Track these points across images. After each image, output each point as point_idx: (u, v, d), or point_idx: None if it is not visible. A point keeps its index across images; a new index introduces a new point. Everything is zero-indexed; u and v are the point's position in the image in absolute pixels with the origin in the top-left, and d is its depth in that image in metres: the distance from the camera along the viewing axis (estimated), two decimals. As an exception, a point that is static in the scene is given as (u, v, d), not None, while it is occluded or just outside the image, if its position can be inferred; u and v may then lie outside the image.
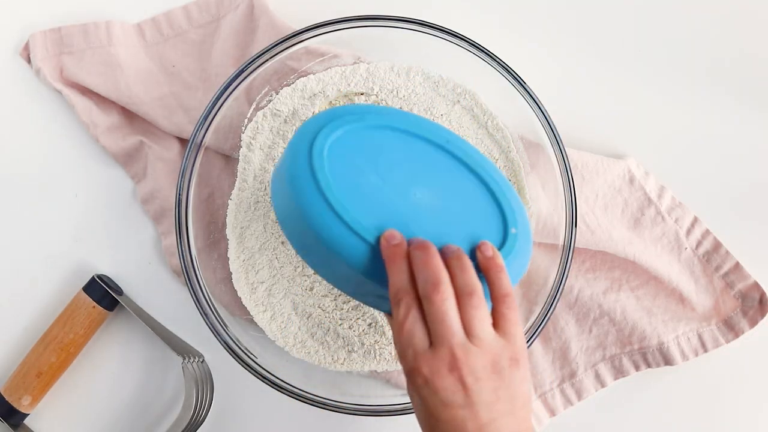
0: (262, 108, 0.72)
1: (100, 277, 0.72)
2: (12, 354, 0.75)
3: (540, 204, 0.71)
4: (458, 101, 0.72)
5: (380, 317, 0.71)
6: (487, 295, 0.52)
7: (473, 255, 0.53)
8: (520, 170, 0.71)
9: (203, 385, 0.71)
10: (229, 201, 0.72)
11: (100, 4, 0.77)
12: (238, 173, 0.72)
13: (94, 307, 0.71)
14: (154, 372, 0.74)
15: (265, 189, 0.72)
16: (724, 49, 0.76)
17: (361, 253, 0.51)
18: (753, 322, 0.72)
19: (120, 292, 0.73)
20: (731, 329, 0.73)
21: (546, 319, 0.67)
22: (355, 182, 0.53)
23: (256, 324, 0.71)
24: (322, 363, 0.70)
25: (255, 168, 0.72)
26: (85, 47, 0.75)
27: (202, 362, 0.73)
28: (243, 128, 0.72)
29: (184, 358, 0.71)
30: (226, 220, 0.72)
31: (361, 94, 0.72)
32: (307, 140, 0.54)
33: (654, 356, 0.72)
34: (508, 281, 0.52)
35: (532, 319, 0.68)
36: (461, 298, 0.49)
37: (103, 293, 0.71)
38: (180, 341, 0.73)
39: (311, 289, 0.72)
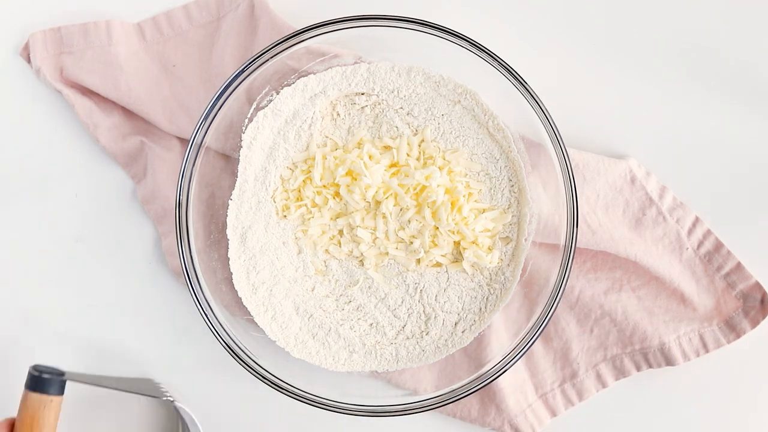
0: (263, 108, 0.72)
1: (36, 368, 0.66)
2: (12, 354, 0.74)
3: (541, 204, 0.71)
4: (459, 101, 0.72)
5: (381, 318, 0.71)
6: None
7: None
8: (521, 170, 0.71)
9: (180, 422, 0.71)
10: (229, 201, 0.72)
11: (100, 4, 0.76)
12: (238, 173, 0.71)
13: (51, 400, 0.65)
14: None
15: (266, 189, 0.71)
16: (727, 50, 0.76)
17: None
18: (754, 323, 0.72)
19: (62, 372, 0.67)
20: (733, 329, 0.72)
21: (547, 319, 0.67)
22: None
23: (256, 324, 0.71)
24: (323, 363, 0.70)
25: (256, 168, 0.72)
26: (85, 47, 0.75)
27: (172, 401, 0.71)
28: (243, 128, 0.71)
29: (159, 397, 0.70)
30: (227, 220, 0.72)
31: (362, 94, 0.72)
32: None
33: (655, 356, 0.72)
34: None
35: (534, 320, 0.68)
36: None
37: (52, 380, 0.65)
38: (145, 383, 0.71)
39: (312, 289, 0.72)
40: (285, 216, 0.72)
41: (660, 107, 0.76)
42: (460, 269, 0.71)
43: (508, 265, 0.71)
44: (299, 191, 0.72)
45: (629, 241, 0.72)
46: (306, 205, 0.71)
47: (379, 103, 0.72)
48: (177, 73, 0.76)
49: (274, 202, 0.72)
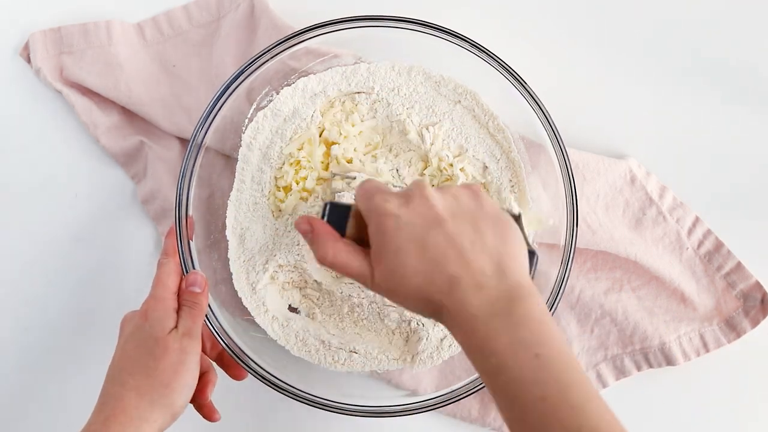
0: (263, 108, 0.71)
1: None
2: (11, 357, 0.74)
3: (541, 204, 0.71)
4: (459, 101, 0.72)
5: (381, 318, 0.71)
6: None
7: None
8: (521, 170, 0.71)
9: None
10: (228, 202, 0.71)
11: (100, 4, 0.76)
12: (236, 173, 0.71)
13: None
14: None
15: (262, 190, 0.71)
16: (727, 50, 0.76)
17: None
18: (755, 322, 0.72)
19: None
20: (733, 329, 0.72)
21: (547, 319, 0.67)
22: None
23: (256, 324, 0.71)
24: (323, 363, 0.70)
25: (253, 168, 0.71)
26: (85, 47, 0.75)
27: None
28: (243, 128, 0.71)
29: None
30: (226, 222, 0.71)
31: (361, 93, 0.72)
32: None
33: (656, 356, 0.72)
34: None
35: (534, 320, 0.67)
36: None
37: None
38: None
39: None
40: (277, 218, 0.71)
41: (660, 107, 0.76)
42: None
43: (508, 265, 0.71)
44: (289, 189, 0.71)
45: (629, 241, 0.72)
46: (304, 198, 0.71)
47: (379, 101, 0.72)
48: (177, 73, 0.76)
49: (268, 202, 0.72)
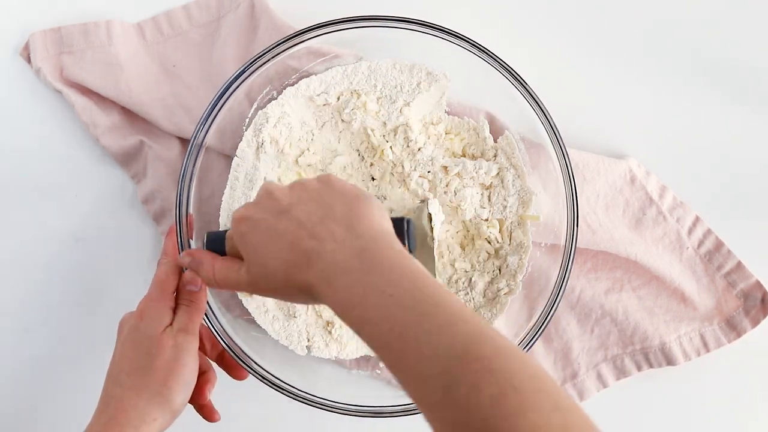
0: (263, 108, 0.71)
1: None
2: (12, 358, 0.74)
3: (541, 204, 0.71)
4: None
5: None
6: None
7: None
8: (521, 171, 0.71)
9: None
10: (221, 201, 0.71)
11: (100, 4, 0.76)
12: (231, 170, 0.71)
13: None
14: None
15: (253, 189, 0.71)
16: (727, 50, 0.76)
17: None
18: (755, 322, 0.72)
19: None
20: (733, 329, 0.72)
21: (548, 319, 0.67)
22: None
23: (256, 324, 0.71)
24: (324, 354, 0.70)
25: (248, 166, 0.71)
26: (85, 47, 0.75)
27: None
28: (244, 128, 0.71)
29: None
30: (219, 220, 0.71)
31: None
32: None
33: (656, 356, 0.72)
34: None
35: (534, 320, 0.68)
36: None
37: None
38: None
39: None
40: None
41: (660, 107, 0.76)
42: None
43: (509, 265, 0.71)
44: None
45: (629, 240, 0.72)
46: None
47: (381, 99, 0.72)
48: (177, 73, 0.76)
49: None
